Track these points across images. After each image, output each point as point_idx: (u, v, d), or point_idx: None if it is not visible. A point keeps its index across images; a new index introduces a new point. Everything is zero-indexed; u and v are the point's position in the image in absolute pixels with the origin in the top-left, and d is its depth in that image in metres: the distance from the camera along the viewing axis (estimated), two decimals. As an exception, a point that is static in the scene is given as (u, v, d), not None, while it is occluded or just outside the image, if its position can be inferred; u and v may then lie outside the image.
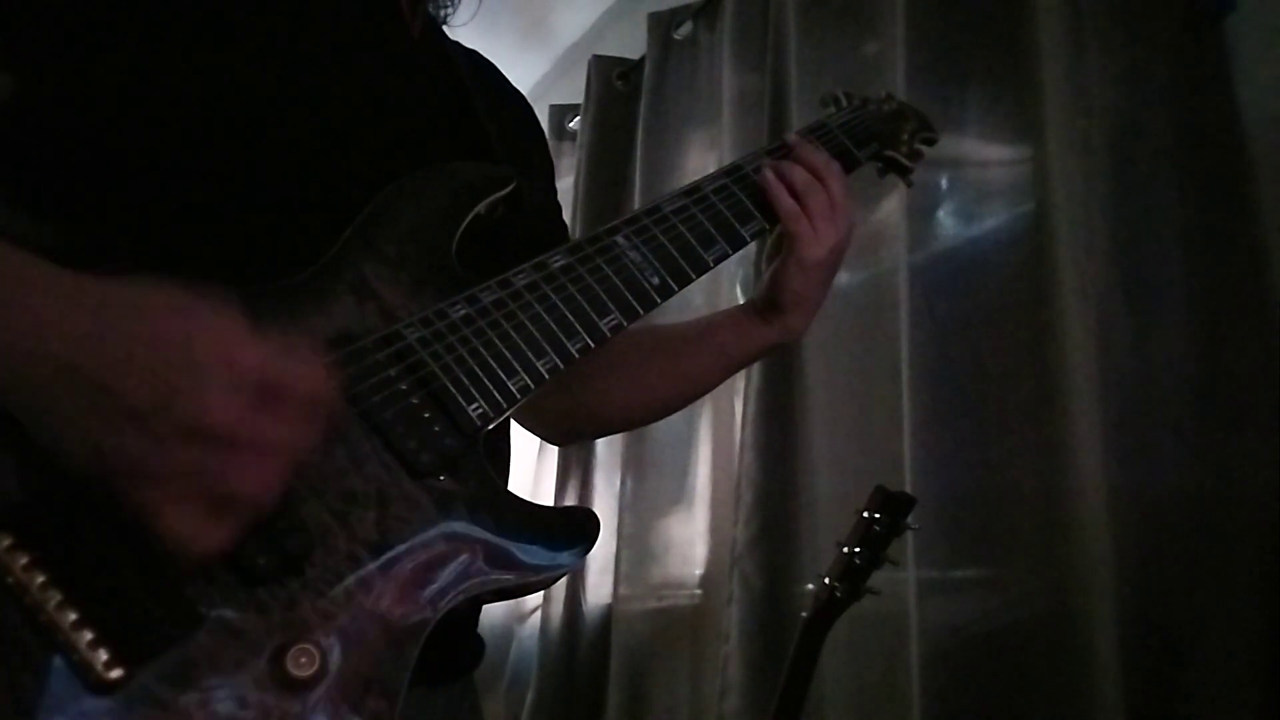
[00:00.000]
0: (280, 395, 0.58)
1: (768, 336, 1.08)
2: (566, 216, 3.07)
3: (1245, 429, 1.51)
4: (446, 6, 1.03)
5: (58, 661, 0.54)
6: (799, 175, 1.01)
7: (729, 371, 1.15)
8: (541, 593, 2.71)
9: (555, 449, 2.80)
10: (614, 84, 3.02)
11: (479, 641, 0.92)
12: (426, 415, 0.72)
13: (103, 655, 0.55)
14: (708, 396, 2.47)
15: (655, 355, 1.12)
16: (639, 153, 2.77)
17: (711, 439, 2.50)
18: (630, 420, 1.34)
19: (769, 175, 1.00)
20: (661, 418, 1.25)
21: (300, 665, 0.59)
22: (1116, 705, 1.48)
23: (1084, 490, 1.59)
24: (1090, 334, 1.63)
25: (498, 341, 0.78)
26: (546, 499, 2.80)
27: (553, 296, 0.83)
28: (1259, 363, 1.50)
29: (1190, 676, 1.49)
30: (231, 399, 0.56)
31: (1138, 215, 1.67)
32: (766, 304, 1.06)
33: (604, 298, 0.85)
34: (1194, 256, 1.61)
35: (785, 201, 1.00)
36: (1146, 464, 1.60)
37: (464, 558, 0.70)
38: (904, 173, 1.21)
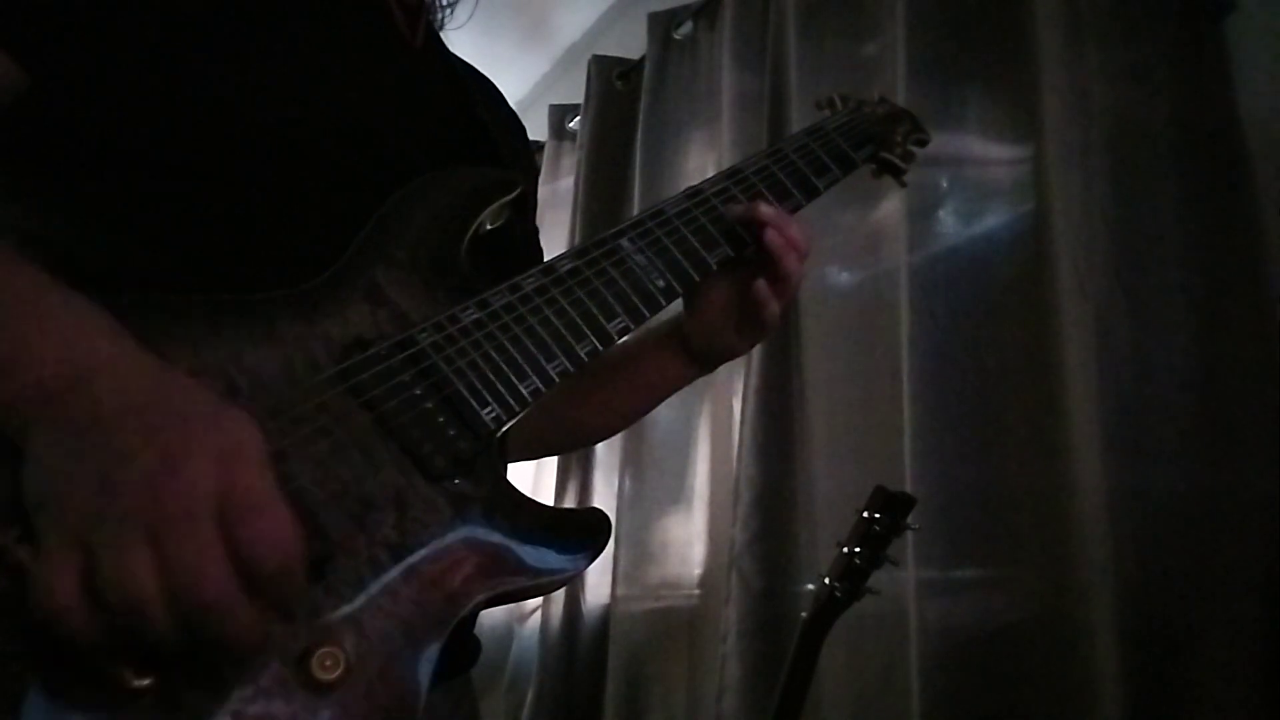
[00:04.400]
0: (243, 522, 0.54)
1: (692, 376, 1.10)
2: (566, 216, 3.07)
3: (1245, 429, 1.51)
4: (445, 10, 1.04)
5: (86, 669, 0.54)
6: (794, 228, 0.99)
7: (651, 406, 1.18)
8: (542, 593, 2.71)
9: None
10: (614, 84, 3.02)
11: (475, 641, 0.92)
12: (441, 419, 0.72)
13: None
14: (707, 396, 2.49)
15: (579, 386, 1.09)
16: (639, 153, 2.77)
17: (710, 438, 2.50)
18: (550, 450, 1.33)
19: (764, 209, 0.97)
20: (584, 447, 1.24)
21: (325, 669, 0.59)
22: (1116, 705, 1.48)
23: (1083, 490, 1.59)
24: (1090, 334, 1.64)
25: (509, 345, 0.78)
26: (546, 499, 2.80)
27: (561, 300, 0.83)
28: (1258, 362, 1.51)
29: (1190, 676, 1.49)
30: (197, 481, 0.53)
31: (1138, 215, 1.67)
32: (705, 353, 1.07)
33: (611, 301, 0.86)
34: (1194, 256, 1.62)
35: (776, 238, 0.97)
36: (1146, 463, 1.60)
37: (481, 560, 0.70)
38: (898, 174, 1.22)
